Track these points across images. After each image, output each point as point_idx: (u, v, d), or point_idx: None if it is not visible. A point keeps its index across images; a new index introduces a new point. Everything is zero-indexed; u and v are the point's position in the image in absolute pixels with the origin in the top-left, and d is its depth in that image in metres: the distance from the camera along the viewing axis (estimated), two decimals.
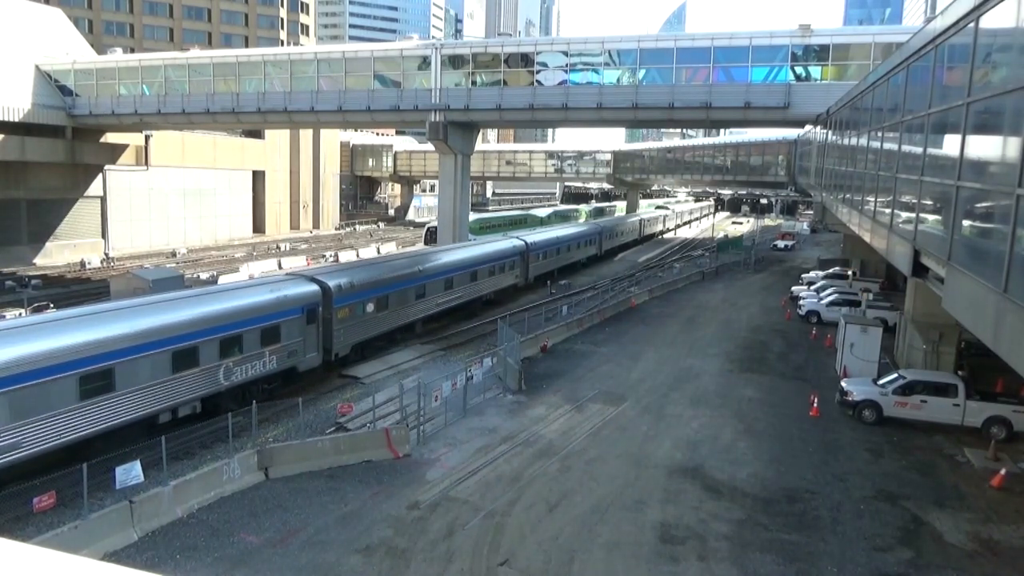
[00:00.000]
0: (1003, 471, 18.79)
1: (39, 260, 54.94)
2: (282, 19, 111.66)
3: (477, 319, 38.06)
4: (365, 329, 28.83)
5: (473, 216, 59.73)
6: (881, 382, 23.82)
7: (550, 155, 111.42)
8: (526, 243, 46.34)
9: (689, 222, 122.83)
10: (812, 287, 44.50)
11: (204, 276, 47.77)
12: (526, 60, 42.08)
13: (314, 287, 25.96)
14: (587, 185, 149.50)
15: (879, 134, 19.85)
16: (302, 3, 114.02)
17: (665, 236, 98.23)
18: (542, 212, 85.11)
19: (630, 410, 23.88)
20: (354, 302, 27.82)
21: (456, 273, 36.06)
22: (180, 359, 20.19)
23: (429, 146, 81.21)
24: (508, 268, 43.01)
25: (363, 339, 28.90)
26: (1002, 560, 14.99)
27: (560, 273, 53.24)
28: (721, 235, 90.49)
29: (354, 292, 27.79)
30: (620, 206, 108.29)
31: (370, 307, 28.83)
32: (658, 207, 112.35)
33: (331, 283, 26.70)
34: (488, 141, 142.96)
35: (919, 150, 14.49)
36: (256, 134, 78.18)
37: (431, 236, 59.19)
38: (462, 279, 36.71)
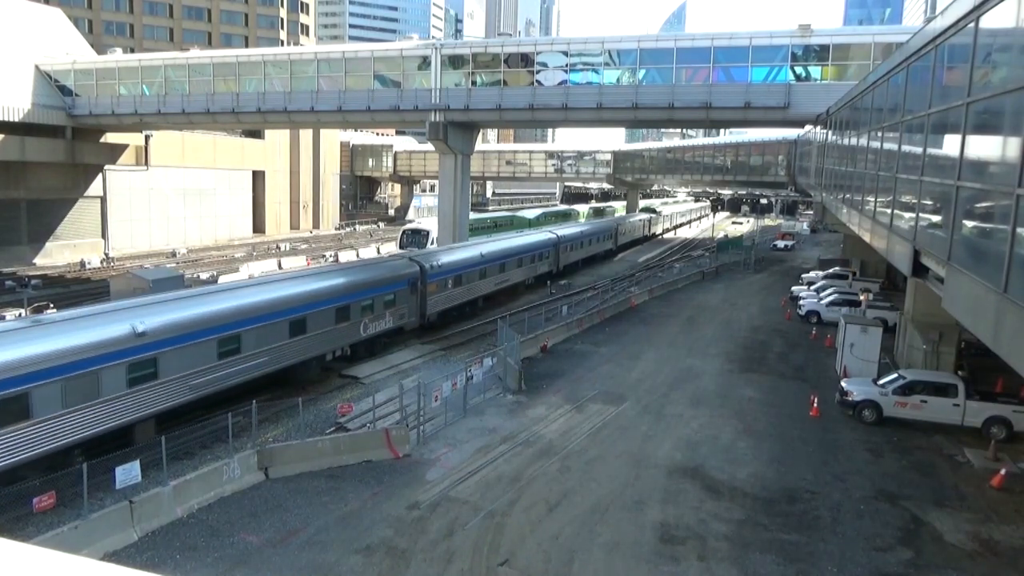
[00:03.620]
0: (1003, 471, 18.79)
1: (39, 260, 54.94)
2: (282, 19, 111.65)
3: (477, 319, 38.06)
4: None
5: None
6: (881, 382, 23.82)
7: (550, 155, 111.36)
8: (421, 267, 32.79)
9: (682, 224, 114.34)
10: (812, 287, 44.50)
11: (204, 276, 47.78)
12: (526, 60, 42.07)
13: None
14: (587, 185, 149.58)
15: (879, 134, 19.85)
16: (302, 3, 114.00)
17: (653, 241, 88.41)
18: (531, 213, 75.87)
19: (630, 410, 23.88)
20: None
21: (257, 325, 22.98)
22: None
23: (429, 146, 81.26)
24: (386, 306, 30.04)
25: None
26: (1002, 560, 14.99)
27: (487, 302, 41.01)
28: (721, 235, 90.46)
29: None
30: (619, 206, 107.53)
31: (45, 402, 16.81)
32: (643, 209, 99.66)
33: None
34: (488, 141, 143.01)
35: (919, 150, 14.49)
36: (256, 134, 78.20)
37: (408, 239, 54.73)
38: (272, 333, 23.57)
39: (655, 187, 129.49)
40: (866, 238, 22.76)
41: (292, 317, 24.59)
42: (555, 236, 52.18)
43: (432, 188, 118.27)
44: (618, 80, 40.61)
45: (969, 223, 11.24)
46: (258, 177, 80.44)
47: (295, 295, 25.20)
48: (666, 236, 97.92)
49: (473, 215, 62.66)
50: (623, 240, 73.37)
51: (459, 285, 36.61)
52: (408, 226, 60.54)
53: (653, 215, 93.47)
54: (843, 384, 24.35)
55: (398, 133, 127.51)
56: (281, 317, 24.13)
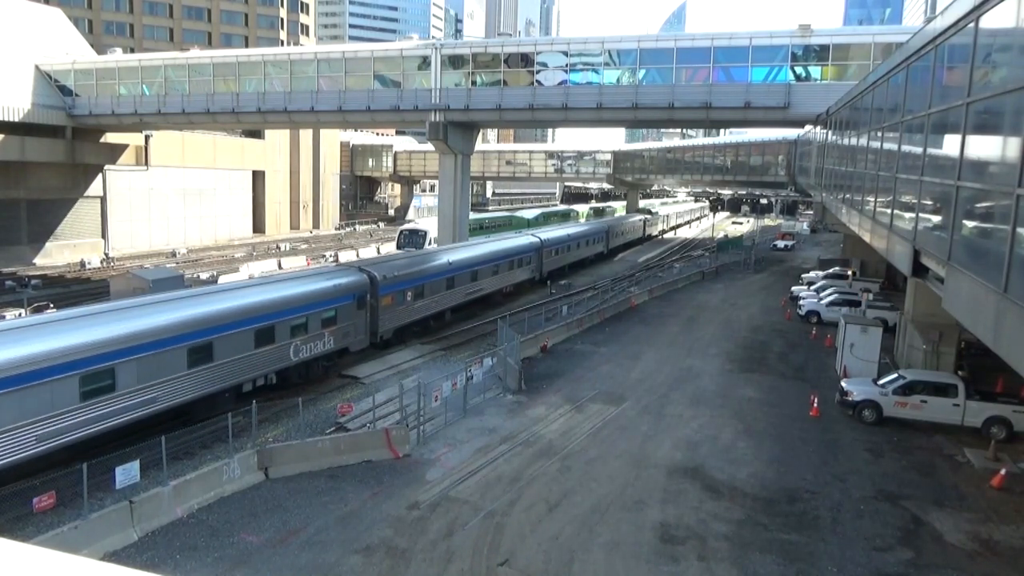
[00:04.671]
0: (1003, 471, 18.79)
1: (39, 260, 54.94)
2: (282, 19, 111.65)
3: (477, 319, 38.03)
4: None
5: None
6: (881, 382, 23.82)
7: (550, 155, 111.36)
8: (372, 277, 28.82)
9: (680, 225, 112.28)
10: (812, 287, 44.51)
11: (204, 276, 47.79)
12: (526, 60, 42.07)
13: None
14: (587, 185, 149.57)
15: (879, 134, 19.85)
16: (302, 3, 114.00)
17: (649, 243, 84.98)
18: (529, 214, 74.15)
19: (630, 410, 23.88)
20: None
21: (140, 356, 19.12)
22: None
23: (429, 146, 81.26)
24: (325, 324, 25.94)
25: None
26: (1002, 560, 14.99)
27: (454, 313, 37.18)
28: (721, 235, 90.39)
29: None
30: (619, 207, 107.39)
31: None
32: (638, 210, 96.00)
33: None
34: (488, 141, 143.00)
35: (919, 150, 14.49)
36: (256, 134, 78.20)
37: (405, 239, 54.10)
38: (162, 364, 19.76)
39: (655, 187, 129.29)
40: (866, 238, 22.76)
41: (192, 344, 20.60)
42: (538, 240, 48.35)
43: (432, 188, 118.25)
44: (618, 80, 40.61)
45: (969, 223, 11.24)
46: (258, 177, 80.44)
47: (196, 317, 20.97)
48: (664, 237, 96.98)
49: (473, 215, 61.20)
50: (616, 243, 70.11)
51: (421, 297, 32.58)
52: (406, 226, 60.01)
53: (649, 216, 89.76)
54: (843, 384, 24.35)
55: (398, 133, 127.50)
56: (176, 344, 20.13)
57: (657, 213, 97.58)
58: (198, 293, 23.36)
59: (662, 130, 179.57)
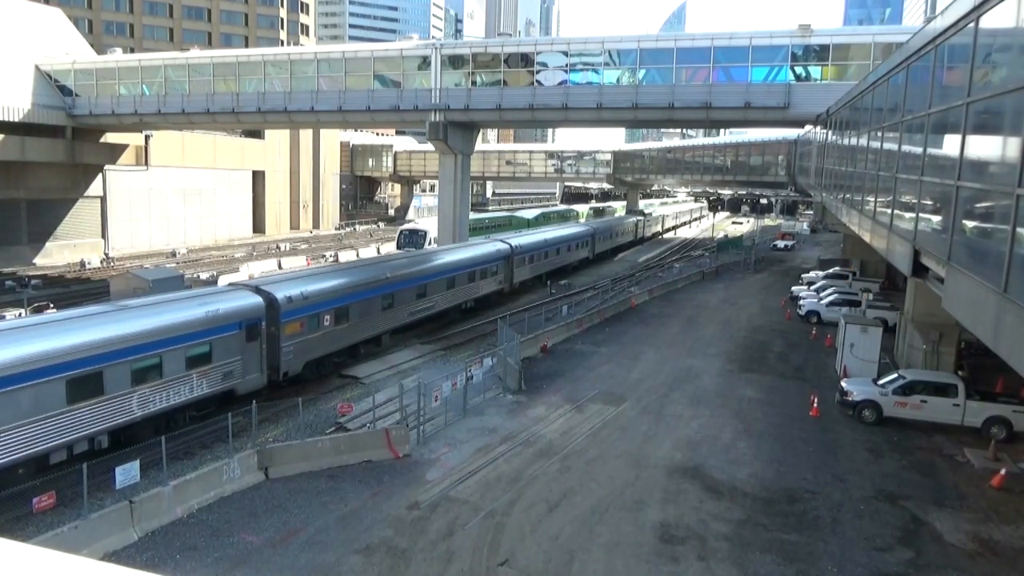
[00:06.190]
0: (1003, 471, 18.79)
1: (39, 260, 54.95)
2: (282, 19, 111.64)
3: (477, 319, 38.03)
4: None
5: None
6: (881, 382, 23.82)
7: (550, 155, 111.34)
8: (271, 300, 23.73)
9: (677, 227, 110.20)
10: (812, 287, 44.51)
11: (204, 276, 47.77)
12: (526, 60, 42.08)
13: None
14: (587, 185, 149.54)
15: (879, 134, 19.85)
16: (302, 3, 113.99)
17: (642, 246, 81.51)
18: (529, 214, 73.47)
19: (630, 410, 23.88)
20: None
21: None
22: None
23: (429, 146, 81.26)
24: (193, 363, 20.62)
25: None
26: (1002, 560, 14.99)
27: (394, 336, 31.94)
28: (721, 235, 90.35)
29: None
30: (619, 207, 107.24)
31: None
32: (632, 211, 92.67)
33: None
34: (488, 141, 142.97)
35: (919, 150, 14.49)
36: (256, 134, 78.21)
37: (405, 239, 54.02)
38: None
39: (655, 187, 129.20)
40: (866, 238, 22.75)
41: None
42: (507, 247, 43.17)
43: (432, 188, 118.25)
44: (618, 80, 40.61)
45: (969, 223, 11.24)
46: (258, 177, 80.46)
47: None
48: (662, 238, 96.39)
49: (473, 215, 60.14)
50: (604, 247, 65.39)
51: (344, 320, 27.15)
52: (406, 226, 59.88)
53: (641, 218, 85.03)
54: (843, 384, 24.35)
55: (398, 133, 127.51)
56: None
57: (651, 214, 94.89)
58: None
59: (662, 130, 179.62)
